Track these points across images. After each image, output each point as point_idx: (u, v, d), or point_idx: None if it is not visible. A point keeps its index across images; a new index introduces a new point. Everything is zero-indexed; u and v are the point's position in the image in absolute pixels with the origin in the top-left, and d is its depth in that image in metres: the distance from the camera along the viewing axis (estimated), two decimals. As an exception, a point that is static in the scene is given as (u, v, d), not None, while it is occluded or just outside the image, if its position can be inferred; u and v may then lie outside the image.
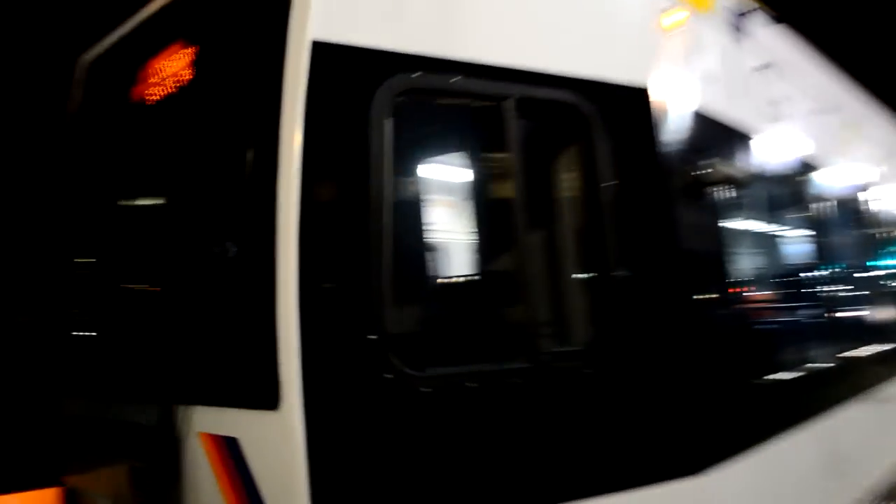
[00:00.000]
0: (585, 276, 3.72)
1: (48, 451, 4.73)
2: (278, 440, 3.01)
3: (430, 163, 4.39)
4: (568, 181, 3.78)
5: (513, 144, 3.48)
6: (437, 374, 3.21)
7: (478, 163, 4.20)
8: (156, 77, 4.12)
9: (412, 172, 4.14)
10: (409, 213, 4.00)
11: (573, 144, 3.74)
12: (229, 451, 3.25)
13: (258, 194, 3.11)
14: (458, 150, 4.34)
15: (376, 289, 3.10)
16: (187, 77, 3.85)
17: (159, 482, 3.51)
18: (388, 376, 3.08)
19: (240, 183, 3.27)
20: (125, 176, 4.50)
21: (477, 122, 3.57)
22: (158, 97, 4.07)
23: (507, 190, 3.49)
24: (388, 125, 3.21)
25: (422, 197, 4.16)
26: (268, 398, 3.01)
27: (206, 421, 3.40)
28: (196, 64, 3.81)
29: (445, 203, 4.90)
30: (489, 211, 4.05)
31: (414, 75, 3.29)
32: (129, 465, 3.70)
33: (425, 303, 3.80)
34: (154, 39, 4.23)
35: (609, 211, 3.64)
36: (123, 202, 4.53)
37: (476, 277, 4.14)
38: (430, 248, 4.07)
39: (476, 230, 4.23)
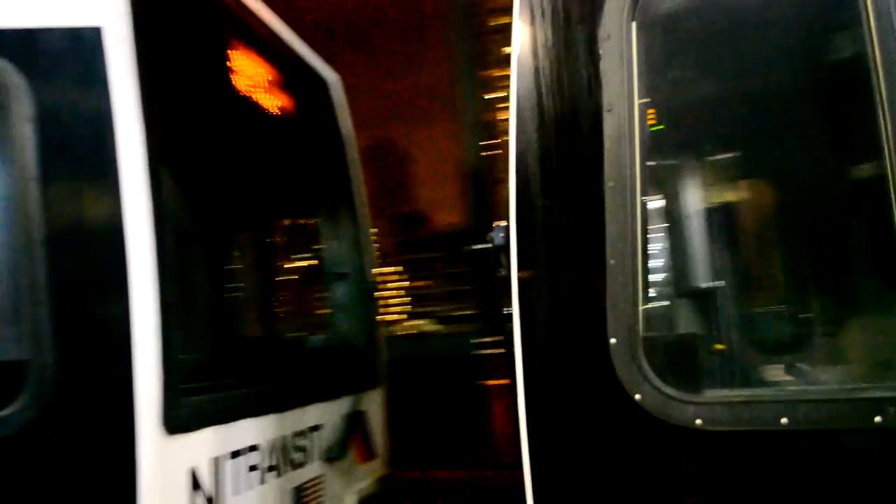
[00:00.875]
0: None
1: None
2: None
3: (700, 87, 2.81)
4: None
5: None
6: (720, 398, 2.07)
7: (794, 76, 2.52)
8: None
9: (668, 100, 2.73)
10: (667, 162, 2.65)
11: None
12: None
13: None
14: (751, 63, 2.65)
15: (620, 271, 2.18)
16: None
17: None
18: (637, 397, 2.12)
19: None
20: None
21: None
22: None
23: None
24: (630, 36, 2.22)
25: (684, 138, 2.70)
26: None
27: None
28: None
29: (725, 147, 3.07)
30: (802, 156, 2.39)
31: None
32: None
33: (696, 291, 2.47)
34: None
35: None
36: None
37: (784, 250, 2.47)
38: (701, 211, 2.61)
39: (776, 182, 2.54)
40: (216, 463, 2.93)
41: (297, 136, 4.73)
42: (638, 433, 2.13)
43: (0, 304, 2.72)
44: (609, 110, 2.25)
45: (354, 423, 4.09)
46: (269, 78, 4.24)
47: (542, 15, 2.39)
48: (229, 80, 3.73)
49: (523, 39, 2.40)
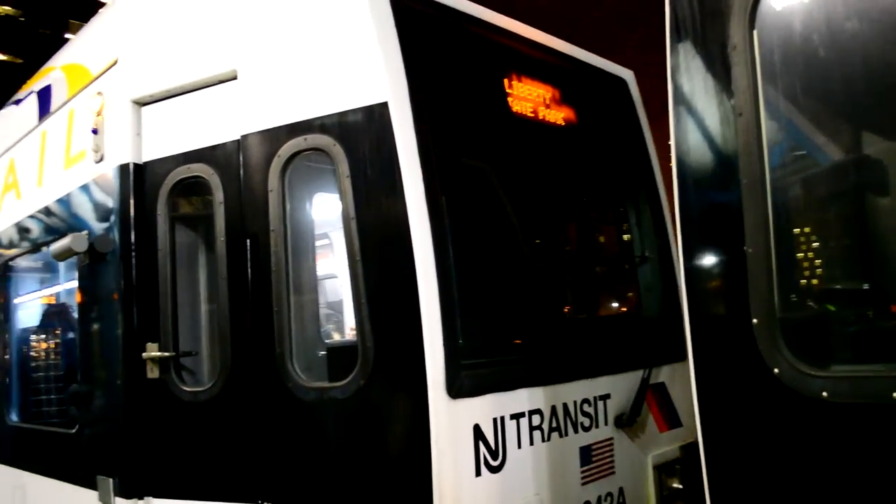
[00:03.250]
0: None
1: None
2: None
3: (819, 86, 2.43)
4: None
5: None
6: (844, 373, 2.20)
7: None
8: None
9: (793, 100, 2.46)
10: (795, 158, 2.45)
11: None
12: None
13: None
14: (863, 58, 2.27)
15: (757, 259, 2.41)
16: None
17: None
18: (775, 371, 2.35)
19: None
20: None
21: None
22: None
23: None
24: (752, 44, 2.42)
25: (811, 135, 2.43)
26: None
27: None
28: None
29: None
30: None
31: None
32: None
33: (827, 277, 2.33)
34: None
35: None
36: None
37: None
38: (828, 203, 2.35)
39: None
40: (498, 422, 3.73)
41: (605, 131, 5.31)
42: (777, 401, 2.36)
43: (337, 306, 3.90)
44: (740, 114, 2.48)
45: (647, 393, 4.55)
46: (568, 91, 4.90)
47: (688, 32, 2.69)
48: (511, 105, 4.49)
49: (675, 55, 2.72)
